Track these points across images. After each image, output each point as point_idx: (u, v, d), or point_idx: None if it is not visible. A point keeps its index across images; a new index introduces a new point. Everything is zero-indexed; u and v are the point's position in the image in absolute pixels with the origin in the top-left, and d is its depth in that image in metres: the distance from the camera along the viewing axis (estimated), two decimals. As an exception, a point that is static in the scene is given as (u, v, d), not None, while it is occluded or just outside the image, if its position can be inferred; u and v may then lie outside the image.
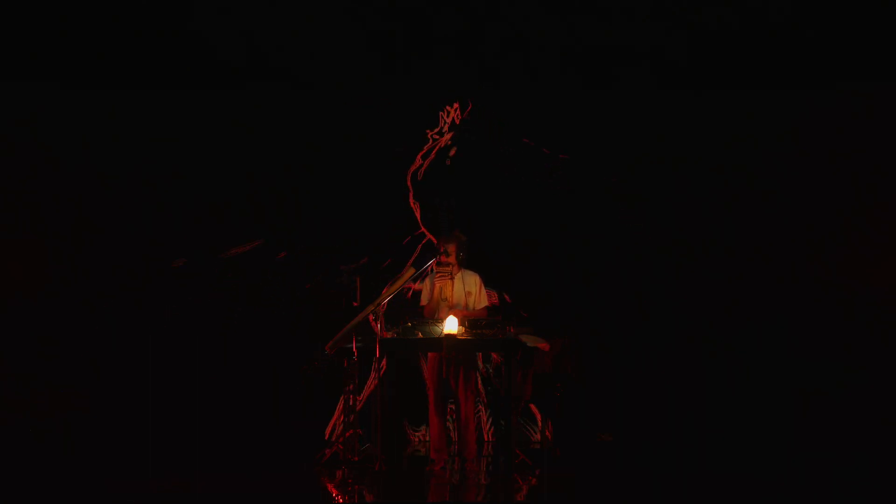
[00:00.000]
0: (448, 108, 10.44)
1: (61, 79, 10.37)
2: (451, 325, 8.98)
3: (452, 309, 9.27)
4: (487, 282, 9.67)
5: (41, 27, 10.14)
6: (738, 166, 10.47)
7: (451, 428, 9.78)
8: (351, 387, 9.17)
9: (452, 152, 10.53)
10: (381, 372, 9.32)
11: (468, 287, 9.45)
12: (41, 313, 10.42)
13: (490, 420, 10.15)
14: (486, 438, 10.12)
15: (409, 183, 10.45)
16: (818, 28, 10.01)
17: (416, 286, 9.95)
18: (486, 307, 9.47)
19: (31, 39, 10.20)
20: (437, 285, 9.35)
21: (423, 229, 10.42)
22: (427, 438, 9.01)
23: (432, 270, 9.42)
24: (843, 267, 10.35)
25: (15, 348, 10.34)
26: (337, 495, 8.56)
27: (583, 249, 10.54)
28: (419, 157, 10.48)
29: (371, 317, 9.08)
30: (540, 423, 9.60)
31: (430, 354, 9.34)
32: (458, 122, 10.47)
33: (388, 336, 9.08)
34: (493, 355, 9.89)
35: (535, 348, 9.25)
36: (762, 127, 10.44)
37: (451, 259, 9.35)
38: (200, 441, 10.19)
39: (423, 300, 9.51)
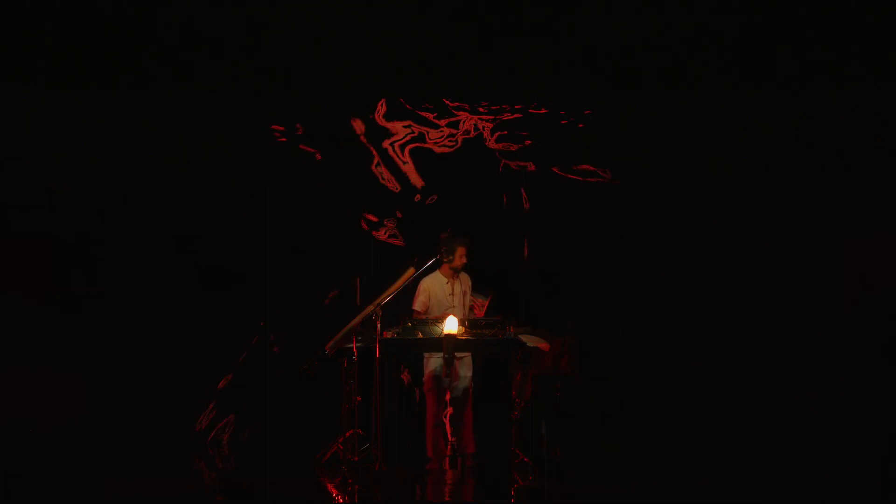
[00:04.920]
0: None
1: (45, 79, 10.38)
2: (451, 325, 8.98)
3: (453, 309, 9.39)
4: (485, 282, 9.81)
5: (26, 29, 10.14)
6: (737, 166, 10.47)
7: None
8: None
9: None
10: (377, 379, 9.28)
11: (464, 287, 9.64)
12: (35, 313, 10.42)
13: None
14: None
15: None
16: (818, 28, 10.00)
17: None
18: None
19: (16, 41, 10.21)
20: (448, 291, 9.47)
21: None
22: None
23: (423, 272, 9.47)
24: (842, 266, 10.34)
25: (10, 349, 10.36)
26: (337, 495, 8.56)
27: (583, 250, 10.56)
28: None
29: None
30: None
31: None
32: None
33: (388, 336, 9.08)
34: None
35: (535, 348, 9.24)
36: (762, 127, 10.44)
37: (464, 261, 9.46)
38: (201, 442, 10.20)
39: (420, 306, 9.52)
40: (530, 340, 9.24)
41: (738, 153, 10.47)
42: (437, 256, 9.46)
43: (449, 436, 9.51)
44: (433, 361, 9.43)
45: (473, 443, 9.48)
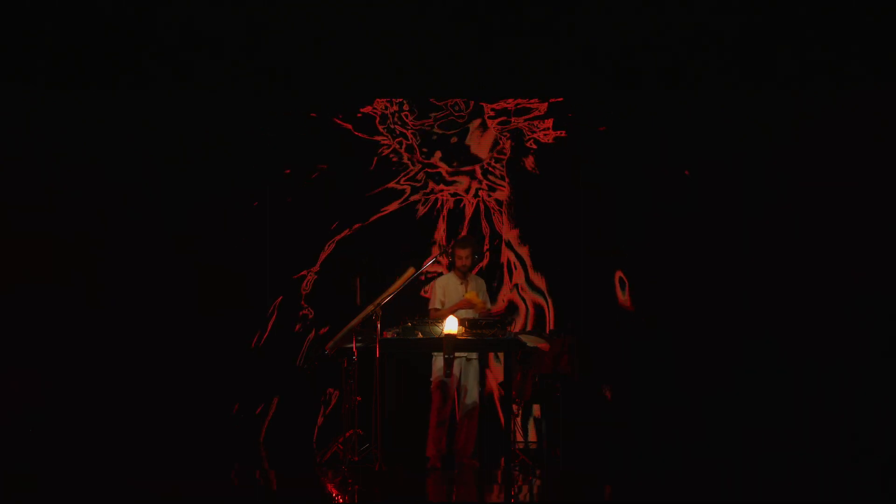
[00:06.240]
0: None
1: (45, 79, 10.39)
2: (451, 325, 8.98)
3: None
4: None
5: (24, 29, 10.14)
6: (737, 166, 10.48)
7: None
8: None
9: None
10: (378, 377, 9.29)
11: (477, 290, 9.62)
12: (36, 313, 10.43)
13: None
14: None
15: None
16: (818, 28, 10.00)
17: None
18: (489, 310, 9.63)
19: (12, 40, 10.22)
20: (462, 291, 9.50)
21: None
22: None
23: (439, 273, 9.51)
24: (842, 266, 10.35)
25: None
26: (337, 495, 8.56)
27: (583, 250, 10.57)
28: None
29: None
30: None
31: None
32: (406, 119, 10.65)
33: (388, 336, 9.09)
34: None
35: (535, 348, 9.25)
36: (762, 127, 10.44)
37: (467, 262, 9.46)
38: (200, 442, 10.20)
39: (436, 303, 9.56)
40: (530, 340, 9.24)
41: (738, 153, 10.47)
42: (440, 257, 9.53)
43: (458, 442, 9.51)
44: (436, 374, 9.46)
45: (473, 446, 9.49)
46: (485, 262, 10.59)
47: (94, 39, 10.21)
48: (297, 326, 10.63)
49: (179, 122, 10.64)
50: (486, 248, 10.50)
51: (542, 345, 9.32)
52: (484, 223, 10.72)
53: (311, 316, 10.64)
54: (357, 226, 10.70)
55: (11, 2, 9.95)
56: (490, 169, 10.72)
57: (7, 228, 10.44)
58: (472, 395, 9.50)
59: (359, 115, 10.77)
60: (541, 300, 10.57)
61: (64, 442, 10.12)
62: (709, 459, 9.77)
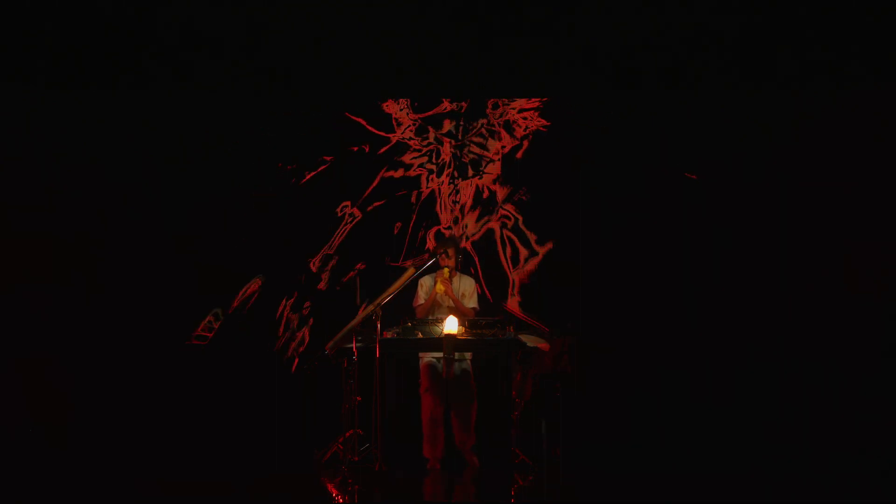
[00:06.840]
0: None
1: (45, 79, 10.38)
2: (451, 325, 8.98)
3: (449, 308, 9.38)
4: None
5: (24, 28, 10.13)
6: (737, 166, 10.47)
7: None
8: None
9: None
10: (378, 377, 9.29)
11: (463, 289, 9.63)
12: (36, 313, 10.43)
13: None
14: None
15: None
16: (818, 28, 10.00)
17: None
18: (474, 309, 9.63)
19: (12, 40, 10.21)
20: (437, 288, 9.47)
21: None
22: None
23: (423, 272, 9.54)
24: (842, 266, 10.34)
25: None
26: (337, 495, 8.56)
27: (582, 251, 10.57)
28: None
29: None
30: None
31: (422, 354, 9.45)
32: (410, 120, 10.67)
33: (388, 336, 9.09)
34: None
35: (535, 348, 9.24)
36: (762, 127, 10.44)
37: (451, 261, 9.48)
38: (200, 442, 10.20)
39: (419, 300, 9.58)
40: (530, 340, 9.24)
41: (738, 153, 10.47)
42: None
43: (456, 437, 9.49)
44: (425, 359, 9.48)
45: (474, 436, 9.48)
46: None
47: (94, 39, 10.20)
48: (298, 325, 10.65)
49: (179, 122, 10.64)
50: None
51: (542, 345, 9.31)
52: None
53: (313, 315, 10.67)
54: (368, 204, 10.72)
55: (11, 2, 9.94)
56: (491, 161, 10.75)
57: (7, 228, 10.44)
58: (461, 372, 9.44)
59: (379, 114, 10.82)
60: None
61: (62, 442, 10.11)
62: (709, 459, 9.77)
